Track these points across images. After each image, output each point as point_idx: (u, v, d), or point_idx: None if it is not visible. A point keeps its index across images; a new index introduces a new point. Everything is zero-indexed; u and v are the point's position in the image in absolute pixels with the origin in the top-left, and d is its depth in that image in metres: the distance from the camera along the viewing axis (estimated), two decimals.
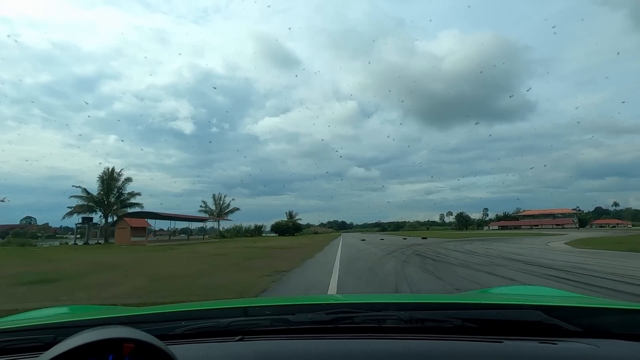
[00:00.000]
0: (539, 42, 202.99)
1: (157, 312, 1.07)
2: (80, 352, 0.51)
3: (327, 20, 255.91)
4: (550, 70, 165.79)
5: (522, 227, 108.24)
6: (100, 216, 39.32)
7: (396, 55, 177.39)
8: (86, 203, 38.35)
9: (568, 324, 0.83)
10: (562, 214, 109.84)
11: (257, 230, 69.42)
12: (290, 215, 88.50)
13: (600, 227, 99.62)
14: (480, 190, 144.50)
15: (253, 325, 0.92)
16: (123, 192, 40.44)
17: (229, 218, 62.11)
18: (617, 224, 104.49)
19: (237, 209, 65.11)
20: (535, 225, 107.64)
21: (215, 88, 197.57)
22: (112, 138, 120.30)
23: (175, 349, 0.61)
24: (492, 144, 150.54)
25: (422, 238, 31.44)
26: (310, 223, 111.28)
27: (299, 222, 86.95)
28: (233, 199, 69.21)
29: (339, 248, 19.34)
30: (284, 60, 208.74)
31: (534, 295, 1.45)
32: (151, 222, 39.36)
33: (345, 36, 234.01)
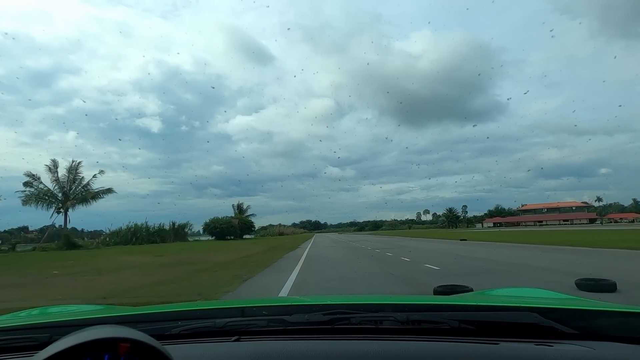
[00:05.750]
0: (511, 45, 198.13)
1: (153, 311, 1.08)
2: (76, 351, 0.49)
3: (300, 15, 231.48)
4: (521, 72, 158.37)
5: (525, 223, 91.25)
6: None
7: (371, 54, 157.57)
8: None
9: (564, 326, 0.83)
10: (572, 207, 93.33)
11: (177, 233, 43.44)
12: (240, 209, 62.74)
13: (615, 222, 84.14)
14: (448, 190, 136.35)
15: (250, 326, 0.91)
16: None
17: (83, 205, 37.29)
18: (634, 218, 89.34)
19: (110, 191, 39.06)
20: (539, 222, 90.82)
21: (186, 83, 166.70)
22: (71, 135, 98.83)
23: (171, 349, 0.60)
24: (459, 144, 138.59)
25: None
26: (283, 223, 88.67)
27: (251, 218, 61.68)
28: (101, 172, 38.76)
29: None
30: (258, 56, 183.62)
31: (530, 297, 1.41)
32: None
33: (320, 32, 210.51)
